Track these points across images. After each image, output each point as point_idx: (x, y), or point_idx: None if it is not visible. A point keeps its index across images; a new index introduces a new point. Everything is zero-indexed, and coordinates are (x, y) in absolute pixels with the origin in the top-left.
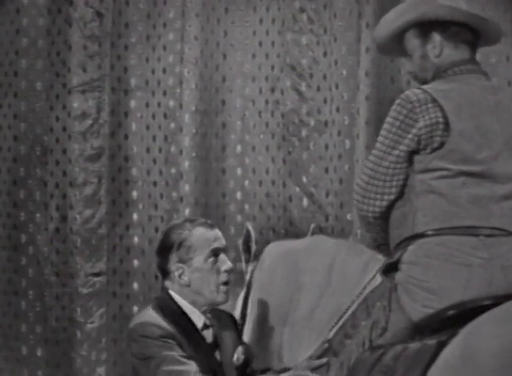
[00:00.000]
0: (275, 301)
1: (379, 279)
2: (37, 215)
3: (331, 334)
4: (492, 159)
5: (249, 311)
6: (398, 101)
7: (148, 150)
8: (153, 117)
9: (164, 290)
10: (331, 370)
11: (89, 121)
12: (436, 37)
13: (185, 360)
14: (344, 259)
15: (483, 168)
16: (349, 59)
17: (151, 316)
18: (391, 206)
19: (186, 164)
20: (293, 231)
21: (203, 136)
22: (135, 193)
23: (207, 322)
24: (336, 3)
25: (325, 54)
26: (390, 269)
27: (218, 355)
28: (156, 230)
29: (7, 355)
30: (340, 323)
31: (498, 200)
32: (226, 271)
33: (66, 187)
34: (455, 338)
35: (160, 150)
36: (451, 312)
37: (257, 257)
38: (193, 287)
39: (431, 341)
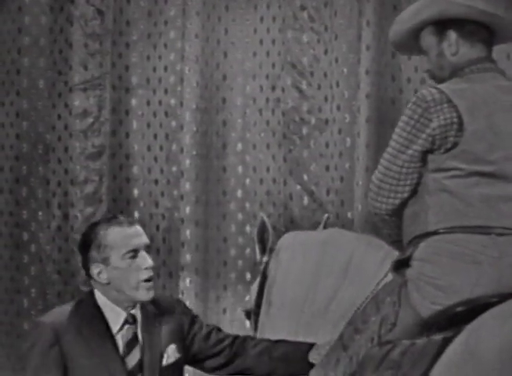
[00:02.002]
0: (292, 293)
1: (391, 275)
2: (40, 213)
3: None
4: (504, 159)
5: (264, 301)
6: (413, 100)
7: (149, 148)
8: (154, 115)
9: (90, 288)
10: (340, 364)
11: (90, 119)
12: (452, 36)
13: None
14: (362, 254)
15: (495, 168)
16: (350, 57)
17: (53, 316)
18: (404, 203)
19: (187, 162)
20: (293, 229)
21: (203, 134)
22: (136, 191)
23: (129, 318)
24: (336, 1)
25: (325, 52)
26: (401, 266)
27: (136, 353)
28: (158, 228)
29: (9, 352)
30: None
31: (509, 200)
32: (147, 268)
33: (68, 185)
34: (459, 335)
35: (161, 148)
36: (459, 309)
37: (272, 247)
38: (113, 285)
39: (437, 338)
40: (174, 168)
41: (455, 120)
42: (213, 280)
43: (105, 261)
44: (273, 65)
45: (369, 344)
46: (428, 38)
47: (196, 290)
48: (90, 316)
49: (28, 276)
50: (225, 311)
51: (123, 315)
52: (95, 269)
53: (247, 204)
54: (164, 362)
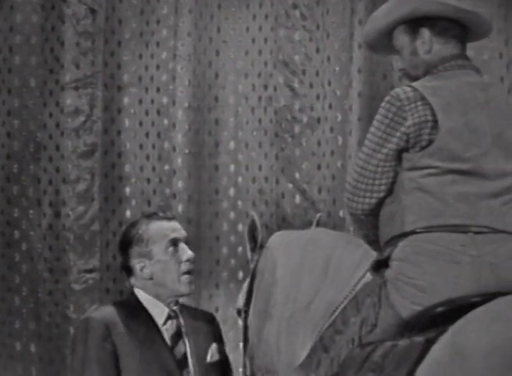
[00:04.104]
0: (276, 291)
1: (370, 275)
2: (31, 211)
3: (323, 330)
4: (480, 156)
5: (253, 300)
6: (387, 98)
7: (141, 147)
8: (146, 113)
9: (129, 288)
10: (321, 366)
11: (82, 118)
12: (425, 33)
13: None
14: (340, 254)
15: (472, 165)
16: (342, 55)
17: (101, 312)
18: (380, 203)
19: (179, 160)
20: (285, 228)
21: (196, 133)
22: (128, 190)
23: (172, 313)
24: (328, 0)
25: (317, 50)
26: (380, 266)
27: (181, 346)
28: None
29: (1, 351)
30: (331, 320)
31: (486, 197)
32: (188, 260)
33: (60, 184)
34: (443, 335)
35: (153, 147)
36: (439, 310)
37: (262, 246)
38: (155, 279)
39: (420, 339)
40: (166, 167)
41: (429, 118)
42: (205, 278)
43: (148, 255)
44: (265, 63)
45: (350, 345)
46: (401, 37)
47: None
48: (135, 311)
49: (19, 274)
50: (217, 310)
51: (165, 310)
52: (138, 264)
53: (239, 203)
54: (209, 359)
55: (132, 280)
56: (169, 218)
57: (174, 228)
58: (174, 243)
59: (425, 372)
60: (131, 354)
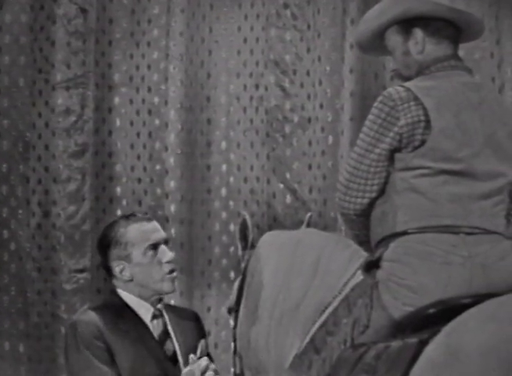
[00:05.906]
0: (266, 292)
1: (360, 276)
2: (20, 211)
3: (312, 330)
4: (472, 157)
5: (243, 299)
6: (380, 98)
7: (132, 147)
8: (137, 113)
9: (111, 288)
10: (313, 367)
11: (73, 118)
12: (418, 34)
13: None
14: (330, 254)
15: (464, 166)
16: (333, 55)
17: (89, 314)
18: (372, 203)
19: (171, 160)
20: (276, 227)
21: (188, 133)
22: (118, 190)
23: (157, 312)
24: None
25: (308, 50)
26: (371, 267)
27: (170, 344)
28: None
29: None
30: (321, 320)
31: (477, 198)
32: (168, 262)
33: (49, 183)
34: (437, 336)
35: (144, 147)
36: (431, 311)
37: (253, 245)
38: (137, 281)
39: (413, 340)
40: (157, 167)
41: (422, 118)
42: (197, 278)
43: (127, 258)
44: (257, 63)
45: (342, 346)
46: (394, 37)
47: (180, 288)
48: (121, 311)
49: (8, 274)
50: (209, 309)
51: (150, 310)
52: (117, 267)
53: (231, 203)
54: (198, 354)
55: (114, 281)
56: (148, 219)
57: (153, 229)
58: (154, 246)
59: (419, 373)
60: (124, 351)
